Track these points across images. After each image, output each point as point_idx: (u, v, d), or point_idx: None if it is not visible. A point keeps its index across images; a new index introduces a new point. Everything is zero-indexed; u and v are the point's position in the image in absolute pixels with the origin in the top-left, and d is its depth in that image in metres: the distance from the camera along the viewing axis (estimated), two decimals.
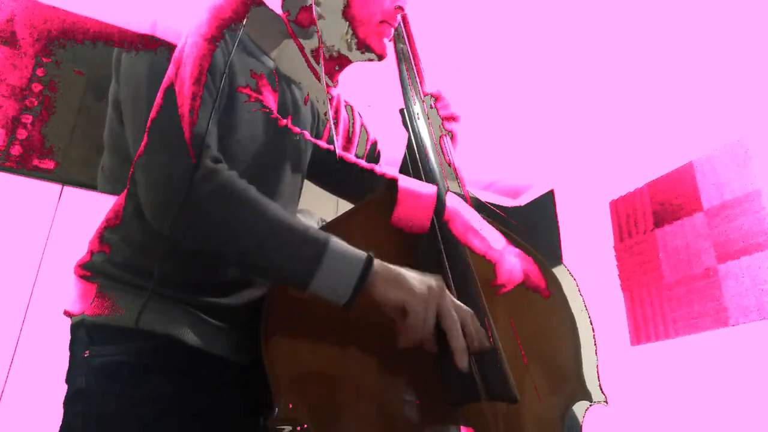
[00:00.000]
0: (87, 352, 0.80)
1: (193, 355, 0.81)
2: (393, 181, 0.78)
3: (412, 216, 0.77)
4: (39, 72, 2.27)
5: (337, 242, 0.74)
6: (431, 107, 1.10)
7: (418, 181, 0.80)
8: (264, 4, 0.94)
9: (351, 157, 0.95)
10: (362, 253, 0.74)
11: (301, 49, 0.99)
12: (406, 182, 0.78)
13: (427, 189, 0.79)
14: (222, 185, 0.74)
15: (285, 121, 0.92)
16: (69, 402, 0.80)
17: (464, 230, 0.79)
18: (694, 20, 2.32)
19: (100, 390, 0.78)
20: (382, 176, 0.80)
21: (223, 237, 0.74)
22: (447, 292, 0.76)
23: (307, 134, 0.96)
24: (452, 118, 1.11)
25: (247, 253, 0.75)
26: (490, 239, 0.79)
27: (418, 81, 1.10)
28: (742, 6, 2.24)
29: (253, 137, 0.91)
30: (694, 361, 2.53)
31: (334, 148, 0.97)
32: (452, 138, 1.10)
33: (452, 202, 0.81)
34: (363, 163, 0.84)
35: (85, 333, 0.81)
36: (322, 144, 1.00)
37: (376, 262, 0.75)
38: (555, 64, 2.61)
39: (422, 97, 1.08)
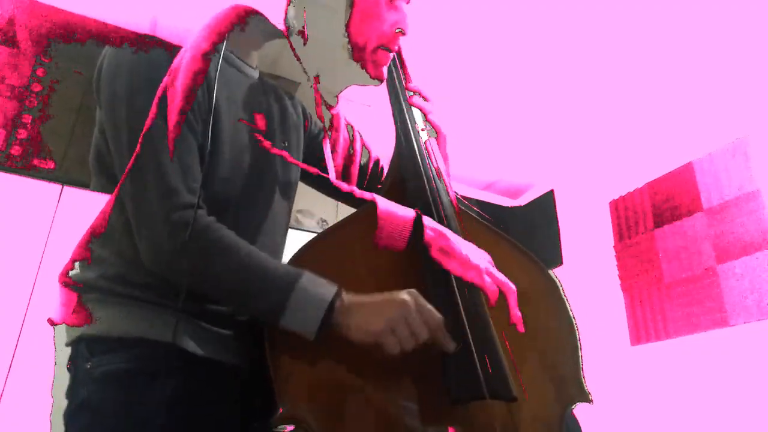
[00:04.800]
0: (89, 364, 0.81)
1: (194, 362, 0.82)
2: (372, 204, 0.79)
3: (390, 240, 0.81)
4: (39, 72, 2.27)
5: (304, 284, 0.78)
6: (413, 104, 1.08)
7: (396, 204, 0.82)
8: (261, 15, 0.94)
9: (339, 182, 0.96)
10: (327, 295, 0.78)
11: (300, 61, 0.98)
12: (384, 205, 0.80)
13: (405, 212, 0.81)
14: (196, 237, 0.78)
15: (267, 142, 0.94)
16: (73, 415, 0.81)
17: (441, 255, 0.81)
18: (694, 20, 2.32)
19: (105, 399, 0.79)
20: (362, 198, 0.82)
21: (198, 283, 0.80)
22: (412, 304, 0.78)
23: (286, 155, 0.96)
24: (423, 111, 1.08)
25: (221, 296, 0.83)
26: (471, 259, 0.81)
27: (404, 84, 1.09)
28: (741, 6, 2.24)
29: (238, 156, 0.92)
30: (693, 361, 2.53)
31: (322, 172, 0.99)
32: (438, 135, 1.07)
33: (430, 224, 0.83)
34: (342, 185, 0.87)
35: (85, 346, 0.82)
36: (312, 169, 1.00)
37: (340, 303, 0.78)
38: (555, 64, 2.61)
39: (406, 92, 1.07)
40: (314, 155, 1.12)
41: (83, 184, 2.21)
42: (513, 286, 0.84)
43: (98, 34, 2.36)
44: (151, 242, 0.79)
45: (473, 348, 0.79)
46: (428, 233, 0.82)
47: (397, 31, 0.96)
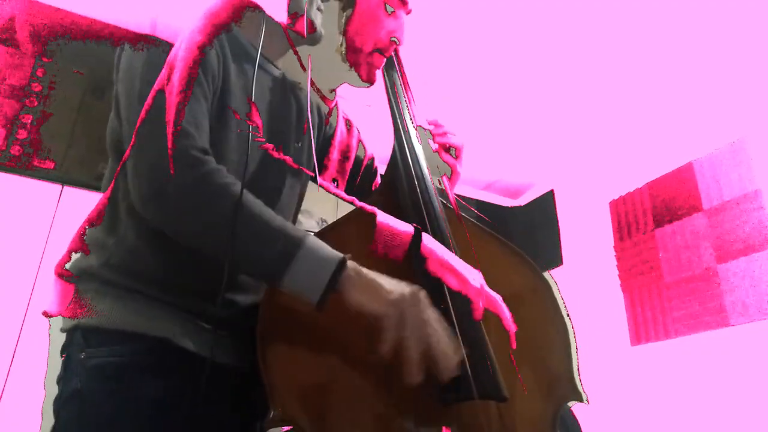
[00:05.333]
0: (83, 354, 0.80)
1: (186, 358, 0.81)
2: (371, 215, 0.79)
3: (387, 251, 0.79)
4: (39, 72, 2.27)
5: (313, 241, 0.75)
6: (429, 139, 1.10)
7: (395, 219, 0.81)
8: (260, 9, 0.94)
9: (332, 188, 0.96)
10: (337, 255, 0.75)
11: (298, 55, 0.99)
12: (384, 218, 0.79)
13: (404, 227, 0.80)
14: (205, 174, 0.75)
15: (270, 146, 0.93)
16: (64, 403, 0.81)
17: (439, 269, 0.80)
18: (694, 20, 2.32)
19: (97, 390, 0.79)
20: (362, 209, 0.81)
21: (201, 226, 0.75)
22: (423, 301, 0.76)
23: (289, 160, 0.95)
24: (454, 147, 1.10)
25: (222, 243, 0.74)
26: (468, 277, 0.80)
27: (404, 90, 1.09)
28: (741, 6, 2.24)
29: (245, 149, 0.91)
30: (694, 361, 2.53)
31: (315, 176, 0.98)
32: (452, 173, 1.09)
33: (429, 241, 0.82)
34: (344, 195, 0.86)
35: (81, 336, 0.82)
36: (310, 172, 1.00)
37: (351, 264, 0.75)
38: (555, 64, 2.61)
39: (412, 116, 1.08)
40: (323, 153, 1.13)
41: (83, 184, 2.21)
42: (505, 308, 0.82)
43: (98, 34, 2.36)
44: (156, 179, 0.74)
45: (463, 348, 0.79)
46: (426, 249, 0.80)
47: (392, 39, 0.99)
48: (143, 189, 0.76)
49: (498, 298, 0.82)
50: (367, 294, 0.74)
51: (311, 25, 0.97)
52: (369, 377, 0.80)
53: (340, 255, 0.75)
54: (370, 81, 1.01)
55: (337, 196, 0.92)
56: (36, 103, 2.23)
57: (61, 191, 2.20)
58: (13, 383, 1.91)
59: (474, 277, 0.80)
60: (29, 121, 2.20)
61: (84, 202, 2.16)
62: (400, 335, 0.74)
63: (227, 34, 0.92)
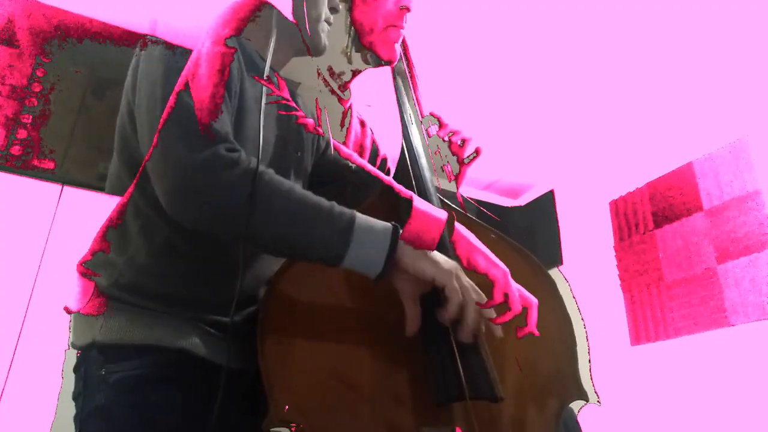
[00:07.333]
0: (103, 370, 0.81)
1: (204, 366, 0.83)
2: (408, 201, 0.80)
3: (422, 235, 0.80)
4: (39, 72, 2.27)
5: (361, 216, 0.77)
6: (432, 131, 1.10)
7: (430, 204, 0.83)
8: (274, 7, 0.94)
9: (371, 168, 0.95)
10: (388, 224, 0.77)
11: (308, 50, 0.99)
12: (419, 203, 0.80)
13: (439, 213, 0.82)
14: (245, 172, 0.74)
15: (311, 122, 0.93)
16: (86, 420, 0.82)
17: (468, 250, 0.82)
18: (693, 20, 2.32)
19: (121, 403, 0.80)
20: (398, 193, 0.82)
21: (253, 222, 0.74)
22: (462, 272, 0.80)
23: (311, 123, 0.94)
24: (456, 134, 1.11)
25: (278, 235, 0.75)
26: (495, 259, 0.82)
27: (412, 89, 1.10)
28: (741, 6, 2.24)
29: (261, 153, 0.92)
30: (694, 361, 2.53)
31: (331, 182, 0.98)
32: (459, 165, 1.11)
33: (459, 226, 0.84)
34: (383, 176, 0.85)
35: (97, 352, 0.83)
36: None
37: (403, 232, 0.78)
38: (555, 64, 2.61)
39: (419, 111, 1.08)
40: (320, 159, 1.14)
41: (83, 184, 2.21)
42: (534, 299, 0.83)
43: (98, 34, 2.35)
44: (188, 178, 0.72)
45: (455, 348, 0.79)
46: (457, 233, 0.82)
47: (401, 8, 0.97)
48: (174, 187, 0.74)
49: (527, 293, 0.82)
50: (425, 261, 0.77)
51: (318, 39, 0.97)
52: (369, 378, 0.80)
53: (390, 224, 0.77)
54: (391, 59, 0.99)
55: (378, 177, 0.90)
56: (36, 103, 2.23)
57: (61, 191, 2.19)
58: (13, 383, 1.91)
59: (502, 265, 0.82)
60: (29, 121, 2.20)
61: (84, 202, 2.16)
62: (463, 299, 0.77)
63: (239, 44, 0.92)
